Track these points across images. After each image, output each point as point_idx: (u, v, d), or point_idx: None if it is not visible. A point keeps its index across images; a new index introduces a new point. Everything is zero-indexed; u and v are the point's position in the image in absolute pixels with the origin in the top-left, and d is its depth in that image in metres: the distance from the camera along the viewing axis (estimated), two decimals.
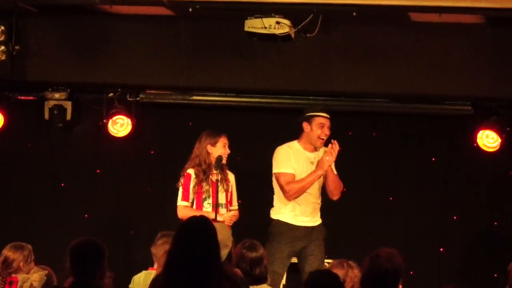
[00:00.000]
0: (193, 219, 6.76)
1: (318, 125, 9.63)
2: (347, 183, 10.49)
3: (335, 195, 9.77)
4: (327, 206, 9.93)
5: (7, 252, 8.40)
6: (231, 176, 9.68)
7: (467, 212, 10.88)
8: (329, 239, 9.84)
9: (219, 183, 9.42)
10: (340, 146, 9.86)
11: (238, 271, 7.39)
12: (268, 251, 9.19)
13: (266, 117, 10.78)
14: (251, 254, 7.85)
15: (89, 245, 6.97)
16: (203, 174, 9.43)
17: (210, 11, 9.92)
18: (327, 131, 9.64)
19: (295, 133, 9.78)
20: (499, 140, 10.58)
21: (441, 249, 10.85)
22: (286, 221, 9.73)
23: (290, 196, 9.69)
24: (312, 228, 9.71)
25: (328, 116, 9.66)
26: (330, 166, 9.61)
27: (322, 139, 9.66)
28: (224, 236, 8.62)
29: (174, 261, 6.33)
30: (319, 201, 9.76)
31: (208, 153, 9.49)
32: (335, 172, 9.74)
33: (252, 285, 7.37)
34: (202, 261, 6.26)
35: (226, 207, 9.53)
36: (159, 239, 8.77)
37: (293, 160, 9.75)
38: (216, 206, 9.35)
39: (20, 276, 8.34)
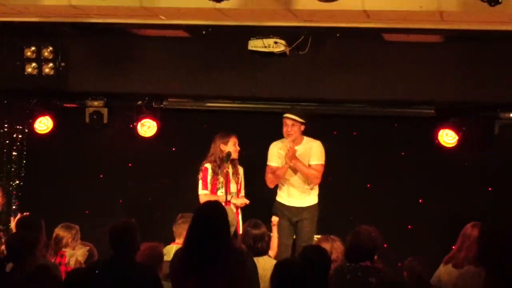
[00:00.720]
0: (208, 203, 6.85)
1: (283, 124, 9.81)
2: (333, 174, 10.59)
3: (311, 183, 9.90)
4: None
5: (58, 231, 8.52)
6: (240, 170, 9.79)
7: (431, 196, 10.93)
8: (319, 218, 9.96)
9: (231, 176, 9.50)
10: (327, 143, 10.04)
11: (243, 246, 7.42)
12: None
13: (266, 119, 10.78)
14: (254, 231, 7.93)
15: (124, 226, 7.04)
16: (218, 168, 9.57)
17: (221, 33, 9.97)
18: (288, 128, 9.80)
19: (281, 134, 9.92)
20: (456, 138, 10.66)
21: (409, 226, 10.92)
22: (281, 202, 9.94)
23: (269, 183, 10.01)
24: (303, 208, 9.81)
25: (288, 116, 9.80)
26: (291, 160, 9.70)
27: (288, 134, 9.79)
28: (230, 217, 8.67)
29: (191, 237, 6.43)
30: (307, 187, 9.84)
31: (222, 151, 9.63)
32: (311, 163, 9.84)
33: (255, 257, 7.39)
34: (214, 237, 6.34)
35: (237, 195, 9.64)
36: (179, 219, 8.85)
37: (276, 154, 9.94)
38: (227, 194, 9.41)
39: (68, 252, 8.40)
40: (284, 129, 9.81)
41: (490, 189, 10.81)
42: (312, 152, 9.86)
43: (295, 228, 9.84)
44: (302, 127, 9.86)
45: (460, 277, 6.56)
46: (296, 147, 9.80)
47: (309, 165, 9.84)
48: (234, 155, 9.68)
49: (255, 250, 7.69)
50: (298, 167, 9.79)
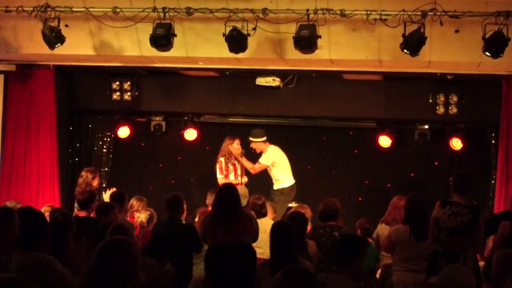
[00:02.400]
0: (226, 184, 6.88)
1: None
2: (311, 164, 10.57)
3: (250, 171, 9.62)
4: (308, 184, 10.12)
5: (133, 201, 8.43)
6: (244, 160, 9.63)
7: (374, 178, 10.89)
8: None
9: (237, 165, 9.45)
10: (305, 146, 9.97)
11: (252, 212, 7.40)
12: None
13: (267, 129, 10.69)
14: (258, 202, 7.87)
15: (175, 197, 7.00)
16: (228, 160, 9.41)
17: (238, 73, 9.96)
18: (252, 145, 9.62)
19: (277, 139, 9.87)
20: (390, 141, 10.61)
21: (360, 198, 10.89)
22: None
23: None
24: (273, 190, 9.60)
25: (250, 139, 9.62)
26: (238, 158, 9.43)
27: (254, 148, 9.65)
28: (245, 193, 8.67)
29: (216, 205, 6.41)
30: (274, 178, 9.62)
31: (229, 149, 9.48)
32: (247, 165, 9.51)
33: (259, 218, 7.37)
34: (233, 205, 6.33)
35: (241, 177, 9.49)
36: (209, 193, 8.80)
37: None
38: (235, 177, 9.36)
39: (136, 214, 8.32)
40: (250, 145, 9.65)
41: (412, 175, 10.78)
42: (263, 156, 9.64)
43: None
44: (261, 142, 9.61)
45: (393, 231, 6.54)
46: (264, 153, 9.63)
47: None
48: (238, 151, 9.51)
49: (260, 214, 7.67)
50: (243, 164, 9.47)
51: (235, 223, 6.22)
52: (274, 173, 9.60)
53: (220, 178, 9.45)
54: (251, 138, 9.62)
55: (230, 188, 6.57)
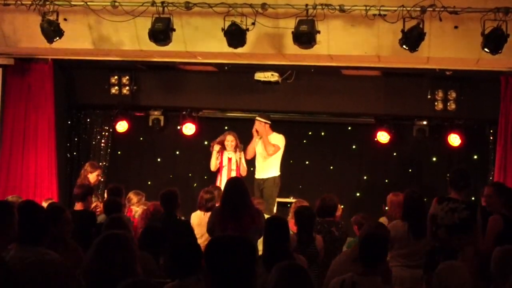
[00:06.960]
0: (233, 178, 6.96)
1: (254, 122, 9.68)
2: (309, 159, 10.56)
3: (268, 152, 9.53)
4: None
5: (130, 195, 8.47)
6: (242, 154, 9.67)
7: (371, 173, 10.89)
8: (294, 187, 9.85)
9: (233, 159, 9.47)
10: (304, 141, 10.20)
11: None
12: None
13: None
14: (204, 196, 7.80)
15: (171, 192, 6.98)
16: (219, 152, 9.57)
17: (237, 68, 9.95)
18: (256, 125, 9.60)
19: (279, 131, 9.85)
20: (389, 137, 10.58)
21: (358, 194, 10.88)
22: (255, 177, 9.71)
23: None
24: (263, 179, 9.56)
25: (257, 118, 9.64)
26: (261, 135, 9.53)
27: (256, 130, 9.62)
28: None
29: (225, 199, 6.43)
30: (268, 167, 9.58)
31: (223, 144, 9.54)
32: (269, 146, 9.53)
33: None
34: (242, 199, 6.36)
35: (236, 172, 9.51)
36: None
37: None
38: (228, 171, 9.46)
39: (133, 208, 8.32)
40: (255, 126, 9.65)
41: (410, 170, 10.79)
42: (274, 139, 9.63)
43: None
44: (267, 126, 9.63)
45: (390, 228, 6.53)
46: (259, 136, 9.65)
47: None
48: (226, 146, 9.58)
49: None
50: (264, 139, 9.52)
51: (245, 216, 6.23)
52: (272, 160, 9.58)
53: (212, 166, 9.67)
54: (258, 118, 9.61)
55: (238, 182, 6.59)
